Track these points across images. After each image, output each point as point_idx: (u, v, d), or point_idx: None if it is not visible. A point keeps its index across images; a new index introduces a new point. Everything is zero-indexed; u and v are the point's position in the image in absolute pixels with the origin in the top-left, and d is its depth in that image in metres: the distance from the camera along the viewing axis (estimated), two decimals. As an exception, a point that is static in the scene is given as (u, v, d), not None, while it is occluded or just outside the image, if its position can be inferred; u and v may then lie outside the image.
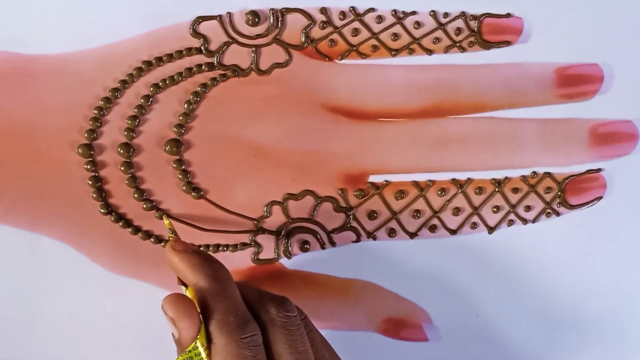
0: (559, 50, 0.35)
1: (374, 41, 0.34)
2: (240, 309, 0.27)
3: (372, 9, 0.34)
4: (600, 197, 0.37)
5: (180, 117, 0.33)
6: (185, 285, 0.28)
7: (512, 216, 0.36)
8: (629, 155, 0.37)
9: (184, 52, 0.33)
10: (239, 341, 0.25)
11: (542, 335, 0.37)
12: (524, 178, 0.36)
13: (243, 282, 0.29)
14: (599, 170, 0.37)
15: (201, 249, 0.29)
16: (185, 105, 0.33)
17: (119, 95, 0.33)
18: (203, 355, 0.25)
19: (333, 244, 0.35)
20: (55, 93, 0.33)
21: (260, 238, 0.35)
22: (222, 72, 0.34)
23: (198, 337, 0.25)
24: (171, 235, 0.31)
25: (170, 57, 0.33)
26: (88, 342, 0.34)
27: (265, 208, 0.35)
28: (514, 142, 0.36)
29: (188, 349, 0.25)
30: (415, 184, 0.35)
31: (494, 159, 0.36)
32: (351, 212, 0.35)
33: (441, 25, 0.35)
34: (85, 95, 0.33)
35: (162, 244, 0.34)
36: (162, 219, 0.33)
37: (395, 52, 0.34)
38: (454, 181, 0.36)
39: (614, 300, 0.38)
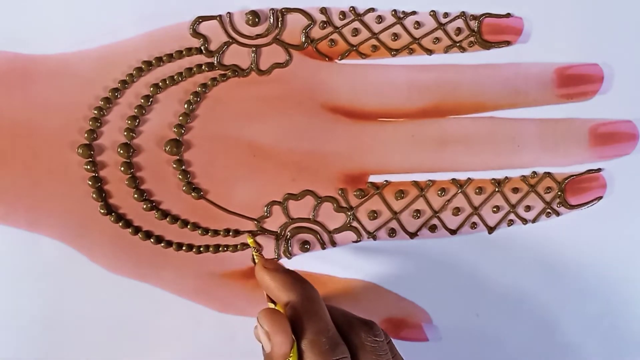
0: (559, 50, 0.35)
1: (374, 41, 0.34)
2: (331, 330, 0.27)
3: (372, 9, 0.34)
4: (600, 197, 0.37)
5: (180, 117, 0.33)
6: (274, 303, 0.28)
7: (512, 216, 0.36)
8: (629, 155, 0.37)
9: (184, 52, 0.33)
10: None
11: (541, 335, 0.37)
12: (524, 178, 0.36)
13: (330, 305, 0.29)
14: (599, 170, 0.37)
15: (288, 268, 0.30)
16: (185, 106, 0.33)
17: (119, 96, 0.33)
18: None
19: (333, 244, 0.35)
20: (55, 93, 0.33)
21: (260, 238, 0.35)
22: (222, 72, 0.34)
23: (291, 354, 0.26)
24: (256, 253, 0.32)
25: (170, 57, 0.33)
26: (88, 342, 0.34)
27: (266, 208, 0.35)
28: (514, 142, 0.36)
29: None
30: (415, 184, 0.35)
31: (494, 158, 0.36)
32: (351, 212, 0.35)
33: (441, 25, 0.35)
34: (85, 96, 0.33)
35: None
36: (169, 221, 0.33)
37: (395, 52, 0.34)
38: (454, 181, 0.36)
39: (614, 300, 0.38)
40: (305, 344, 0.26)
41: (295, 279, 0.29)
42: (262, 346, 0.26)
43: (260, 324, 0.26)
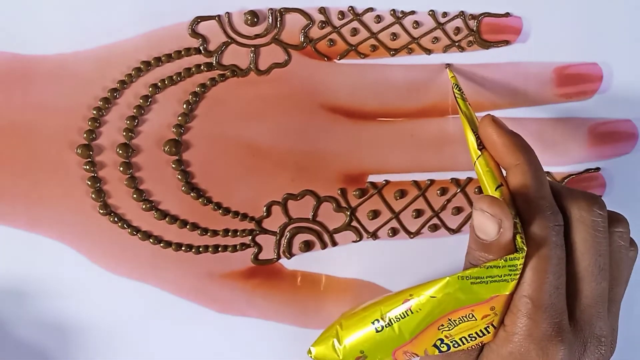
0: (558, 50, 0.35)
1: (373, 41, 0.34)
2: (551, 197, 0.26)
3: (370, 9, 0.34)
4: (600, 197, 0.37)
5: (179, 118, 0.33)
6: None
7: (511, 215, 0.36)
8: (628, 155, 0.37)
9: (182, 53, 0.33)
10: (552, 227, 0.25)
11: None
12: (523, 177, 0.36)
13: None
14: (597, 169, 0.37)
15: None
16: (184, 106, 0.33)
17: (117, 96, 0.33)
18: (524, 246, 0.25)
19: (334, 243, 0.35)
20: (54, 93, 0.33)
21: (259, 238, 0.35)
22: (221, 72, 0.34)
23: (518, 234, 0.25)
24: (457, 92, 0.30)
25: (169, 57, 0.33)
26: (87, 342, 0.34)
27: (265, 208, 0.34)
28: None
29: (519, 246, 0.24)
30: (415, 183, 0.35)
31: (493, 158, 0.36)
32: (351, 212, 0.35)
33: (440, 25, 0.35)
34: (84, 96, 0.33)
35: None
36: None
37: (394, 51, 0.34)
38: (454, 181, 0.36)
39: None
40: (530, 207, 0.25)
41: (522, 141, 0.27)
42: (480, 236, 0.25)
43: (486, 210, 0.24)
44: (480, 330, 0.26)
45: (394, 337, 0.26)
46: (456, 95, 0.31)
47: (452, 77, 0.33)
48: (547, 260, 0.25)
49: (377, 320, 0.26)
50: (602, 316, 0.27)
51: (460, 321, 0.25)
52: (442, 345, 0.26)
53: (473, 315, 0.25)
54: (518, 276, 0.25)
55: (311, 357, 0.29)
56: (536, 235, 0.25)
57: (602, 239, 0.26)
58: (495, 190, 0.27)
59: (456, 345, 0.26)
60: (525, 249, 0.25)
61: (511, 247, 0.25)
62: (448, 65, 0.34)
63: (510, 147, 0.27)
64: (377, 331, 0.26)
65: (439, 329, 0.26)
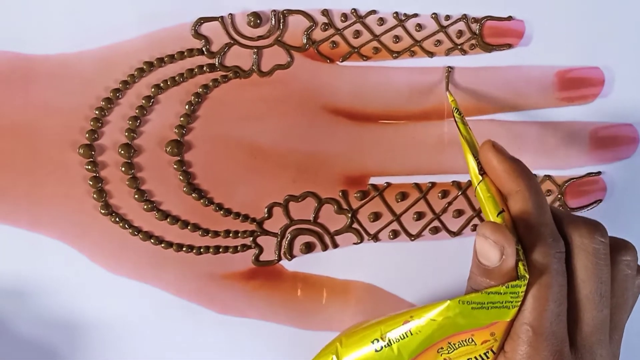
0: (560, 54, 0.35)
1: (375, 43, 0.34)
2: (552, 223, 0.26)
3: (373, 11, 0.34)
4: (600, 200, 0.37)
5: (182, 118, 0.33)
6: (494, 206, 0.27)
7: (512, 219, 0.36)
8: (629, 159, 0.37)
9: (185, 53, 0.33)
10: (554, 254, 0.25)
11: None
12: (524, 181, 0.36)
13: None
14: (598, 173, 0.37)
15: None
16: (187, 106, 0.33)
17: (120, 96, 0.33)
18: (526, 274, 0.24)
19: (335, 245, 0.35)
20: (56, 93, 0.33)
21: (260, 240, 0.35)
22: (224, 73, 0.34)
23: (520, 262, 0.25)
24: (458, 116, 0.30)
25: (172, 58, 0.33)
26: (87, 342, 0.34)
27: (266, 209, 0.35)
28: (514, 144, 0.36)
29: (521, 274, 0.24)
30: (416, 186, 0.35)
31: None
32: (352, 214, 0.35)
33: (443, 28, 0.35)
34: (86, 96, 0.33)
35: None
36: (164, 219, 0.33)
37: (396, 54, 0.35)
38: (455, 183, 0.36)
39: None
40: (532, 234, 0.25)
41: (523, 167, 0.27)
42: (482, 262, 0.25)
43: (489, 237, 0.24)
44: (480, 355, 0.26)
45: (393, 358, 0.26)
46: (456, 119, 0.31)
47: (452, 100, 0.33)
48: (548, 287, 0.25)
49: (377, 340, 0.27)
50: (603, 344, 0.27)
51: (460, 345, 0.25)
52: None
53: (473, 340, 0.25)
54: (519, 303, 0.25)
55: None
56: (537, 262, 0.25)
57: (603, 266, 0.26)
58: (497, 216, 0.26)
59: None
60: (528, 276, 0.25)
61: (513, 274, 0.25)
62: (449, 69, 0.35)
63: (511, 173, 0.27)
64: (377, 351, 0.27)
65: (438, 352, 0.26)
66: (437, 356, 0.26)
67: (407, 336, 0.26)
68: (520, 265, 0.25)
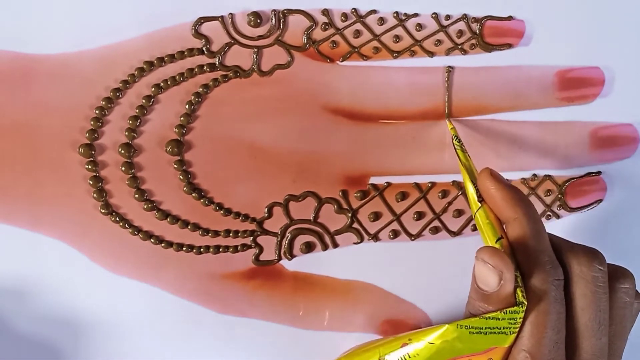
0: (560, 53, 0.35)
1: (375, 43, 0.34)
2: (550, 251, 0.26)
3: (374, 11, 0.34)
4: (601, 200, 0.37)
5: (182, 118, 0.33)
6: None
7: (512, 219, 0.36)
8: (629, 159, 0.37)
9: (185, 53, 0.33)
10: (552, 282, 0.25)
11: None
12: (524, 180, 0.36)
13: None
14: (599, 173, 0.37)
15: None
16: (187, 106, 0.33)
17: (120, 96, 0.33)
18: (524, 300, 0.25)
19: (335, 245, 0.35)
20: (57, 93, 0.33)
21: (261, 239, 0.35)
22: (224, 73, 0.34)
23: (519, 288, 0.25)
24: (457, 143, 0.30)
25: (172, 57, 0.33)
26: (87, 342, 0.34)
27: (266, 209, 0.35)
28: (515, 144, 0.36)
29: (519, 300, 0.24)
30: (417, 186, 0.35)
31: (494, 161, 0.36)
32: (352, 214, 0.35)
33: (443, 28, 0.35)
34: (86, 95, 0.33)
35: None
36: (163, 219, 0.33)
37: (396, 54, 0.35)
38: (455, 183, 0.36)
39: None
40: (530, 261, 0.25)
41: (522, 196, 0.27)
42: (481, 286, 0.25)
43: (488, 261, 0.25)
44: None
45: None
46: (456, 146, 0.31)
47: (451, 128, 0.33)
48: (547, 314, 0.25)
49: None
50: None
51: None
52: None
53: None
54: (518, 330, 0.25)
55: None
56: (536, 289, 0.25)
57: (602, 294, 0.26)
58: (496, 242, 0.27)
59: None
60: (526, 303, 0.25)
61: (511, 299, 0.25)
62: (449, 69, 0.35)
63: (509, 200, 0.27)
64: None
65: None
66: None
67: (405, 359, 0.26)
68: (518, 291, 0.25)
